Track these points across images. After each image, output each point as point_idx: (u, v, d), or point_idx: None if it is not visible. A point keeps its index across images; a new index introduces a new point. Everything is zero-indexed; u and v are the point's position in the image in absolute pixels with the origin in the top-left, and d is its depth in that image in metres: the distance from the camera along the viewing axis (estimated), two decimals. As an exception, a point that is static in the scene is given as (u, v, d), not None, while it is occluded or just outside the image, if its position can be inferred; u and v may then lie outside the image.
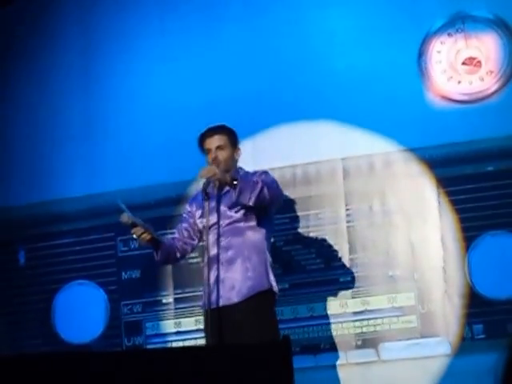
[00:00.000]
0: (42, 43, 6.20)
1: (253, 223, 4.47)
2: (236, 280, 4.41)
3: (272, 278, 4.46)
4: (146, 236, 4.42)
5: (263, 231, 4.51)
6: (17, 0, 6.27)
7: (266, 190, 4.31)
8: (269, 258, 4.50)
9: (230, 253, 4.45)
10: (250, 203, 4.30)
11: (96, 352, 4.90)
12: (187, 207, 4.75)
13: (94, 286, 5.85)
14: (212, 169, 4.34)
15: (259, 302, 4.40)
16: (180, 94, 5.84)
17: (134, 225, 4.39)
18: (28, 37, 6.23)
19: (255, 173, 4.59)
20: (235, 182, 4.26)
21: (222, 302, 4.39)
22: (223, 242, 4.46)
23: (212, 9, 5.87)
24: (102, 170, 5.93)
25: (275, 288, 4.47)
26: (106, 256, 5.84)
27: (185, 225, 4.68)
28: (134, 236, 4.44)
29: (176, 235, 4.70)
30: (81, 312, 5.84)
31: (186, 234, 4.67)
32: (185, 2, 5.96)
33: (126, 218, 4.37)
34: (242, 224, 4.47)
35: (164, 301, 5.72)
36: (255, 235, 4.49)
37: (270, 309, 4.46)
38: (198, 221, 4.61)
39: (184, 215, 4.73)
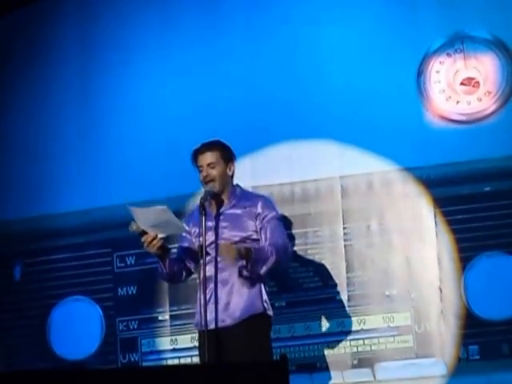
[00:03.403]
0: (41, 57, 6.19)
1: (249, 245, 4.43)
2: (230, 302, 4.37)
3: (266, 301, 4.41)
4: (156, 243, 4.33)
5: (259, 254, 4.48)
6: (15, 13, 6.27)
7: (277, 264, 4.34)
8: (263, 281, 4.47)
9: (224, 274, 4.40)
10: (261, 272, 4.34)
11: (91, 370, 4.87)
12: (184, 226, 4.71)
13: (89, 302, 5.82)
14: (232, 252, 4.25)
15: (253, 325, 4.36)
16: (180, 109, 5.84)
17: (143, 232, 4.34)
18: (27, 50, 6.22)
19: (254, 194, 4.58)
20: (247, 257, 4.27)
21: (215, 324, 4.33)
22: (219, 262, 4.42)
23: (213, 25, 5.87)
24: (100, 185, 5.91)
25: (269, 311, 4.44)
26: (102, 272, 5.81)
27: (185, 244, 4.62)
28: (144, 244, 4.34)
29: (177, 255, 4.62)
30: (76, 328, 5.81)
31: (187, 251, 4.60)
32: (186, 18, 5.96)
33: (135, 226, 4.31)
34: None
35: (160, 318, 5.70)
36: (251, 257, 4.46)
37: (264, 332, 4.41)
38: (195, 239, 4.58)
39: (183, 234, 4.65)
